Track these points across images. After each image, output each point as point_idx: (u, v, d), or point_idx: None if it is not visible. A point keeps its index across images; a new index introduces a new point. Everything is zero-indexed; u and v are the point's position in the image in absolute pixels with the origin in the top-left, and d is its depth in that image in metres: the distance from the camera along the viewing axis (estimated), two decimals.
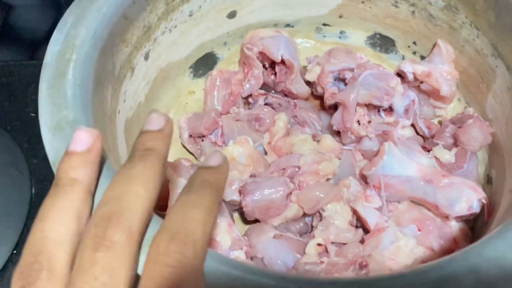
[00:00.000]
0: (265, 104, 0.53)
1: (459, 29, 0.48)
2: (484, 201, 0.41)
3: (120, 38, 0.42)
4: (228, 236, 0.41)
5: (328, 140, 0.48)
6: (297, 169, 0.44)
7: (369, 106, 0.48)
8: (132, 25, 0.43)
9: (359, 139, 0.49)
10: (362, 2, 0.53)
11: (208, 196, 0.26)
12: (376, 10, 0.53)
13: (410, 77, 0.50)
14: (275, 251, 0.41)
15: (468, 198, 0.40)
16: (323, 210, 0.42)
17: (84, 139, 0.27)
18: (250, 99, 0.54)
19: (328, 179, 0.45)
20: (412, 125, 0.50)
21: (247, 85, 0.53)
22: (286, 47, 0.51)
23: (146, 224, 0.25)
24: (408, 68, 0.49)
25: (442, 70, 0.49)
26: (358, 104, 0.48)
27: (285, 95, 0.54)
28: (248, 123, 0.50)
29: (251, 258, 0.42)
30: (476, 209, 0.41)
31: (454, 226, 0.42)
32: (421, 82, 0.50)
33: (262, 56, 0.52)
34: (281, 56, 0.50)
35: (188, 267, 0.23)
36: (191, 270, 0.23)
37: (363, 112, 0.48)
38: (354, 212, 0.43)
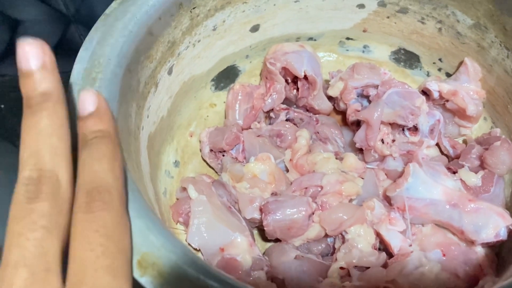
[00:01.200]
0: (287, 119, 0.52)
1: (488, 48, 0.47)
2: (511, 227, 0.40)
3: (145, 54, 0.42)
4: (249, 256, 0.41)
5: (351, 159, 0.47)
6: (319, 189, 0.44)
7: (393, 124, 0.47)
8: (157, 41, 0.43)
9: (382, 158, 0.48)
10: (388, 17, 0.52)
11: (105, 146, 0.27)
12: (402, 25, 0.52)
13: (436, 95, 0.49)
14: (296, 273, 0.41)
15: (495, 225, 0.40)
16: (346, 233, 0.42)
17: (91, 100, 0.28)
18: (271, 114, 0.53)
19: (351, 200, 0.44)
20: (437, 144, 0.50)
21: (269, 100, 0.52)
22: (309, 63, 0.50)
23: (71, 168, 0.26)
24: (434, 86, 0.49)
25: (468, 89, 0.48)
26: (382, 123, 0.47)
27: (307, 110, 0.54)
28: (269, 139, 0.50)
29: (272, 279, 0.42)
30: (503, 236, 0.40)
31: (480, 252, 0.41)
32: (447, 101, 0.49)
33: (285, 71, 0.51)
34: (304, 72, 0.50)
35: (109, 209, 0.25)
36: (113, 212, 0.25)
37: (387, 131, 0.48)
38: (378, 235, 0.42)
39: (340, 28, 0.55)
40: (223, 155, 0.50)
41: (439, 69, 0.54)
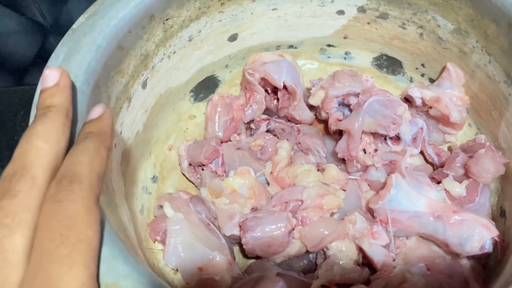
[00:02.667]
0: (268, 130, 0.51)
1: (470, 54, 0.46)
2: (497, 239, 0.39)
3: (116, 69, 0.40)
4: (228, 275, 0.40)
5: (333, 170, 0.46)
6: (300, 203, 0.43)
7: (375, 134, 0.46)
8: (128, 54, 0.41)
9: (365, 168, 0.47)
10: (368, 23, 0.51)
11: (91, 143, 0.28)
12: (382, 31, 0.51)
13: (418, 102, 0.48)
14: None
15: (480, 237, 0.38)
16: (327, 249, 0.40)
17: (53, 76, 0.30)
18: (252, 125, 0.52)
19: (332, 213, 0.43)
20: (421, 152, 0.49)
21: (249, 111, 0.51)
22: (288, 73, 0.49)
23: (51, 174, 0.27)
24: (416, 93, 0.48)
25: (451, 95, 0.47)
26: (363, 132, 0.46)
27: (288, 120, 0.53)
28: (249, 151, 0.49)
29: None
30: (488, 248, 0.39)
31: (466, 265, 0.40)
32: (430, 108, 0.48)
33: (264, 81, 0.50)
34: (283, 83, 0.49)
35: (76, 200, 0.25)
36: (80, 202, 0.25)
37: (369, 140, 0.46)
38: (360, 250, 0.41)
39: (321, 35, 0.54)
40: (202, 169, 0.49)
41: (422, 75, 0.53)
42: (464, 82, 0.47)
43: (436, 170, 0.47)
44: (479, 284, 0.39)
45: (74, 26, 0.38)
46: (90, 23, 0.38)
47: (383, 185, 0.43)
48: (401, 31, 0.50)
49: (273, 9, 0.50)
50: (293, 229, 0.41)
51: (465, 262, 0.40)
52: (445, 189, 0.42)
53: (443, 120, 0.48)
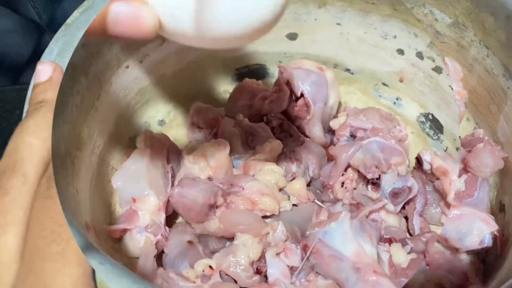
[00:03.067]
0: (278, 127, 0.51)
1: (468, 47, 0.45)
2: (496, 233, 0.39)
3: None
4: (150, 217, 0.42)
5: (298, 184, 0.45)
6: (241, 190, 0.42)
7: (360, 173, 0.45)
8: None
9: (336, 201, 0.46)
10: (423, 73, 0.50)
11: (42, 118, 0.28)
12: (435, 87, 0.50)
13: (426, 166, 0.45)
14: (176, 254, 0.41)
15: (479, 231, 0.38)
16: (236, 238, 0.40)
17: (46, 71, 0.31)
18: (265, 118, 0.52)
19: (266, 216, 0.42)
20: (406, 218, 0.46)
21: (268, 105, 0.50)
22: (313, 86, 0.48)
23: (42, 169, 0.27)
24: (427, 157, 0.45)
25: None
26: (352, 167, 0.45)
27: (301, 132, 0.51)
28: (243, 134, 0.48)
29: (162, 251, 0.42)
30: (488, 243, 0.38)
31: (465, 260, 0.40)
32: (437, 179, 0.45)
33: (288, 85, 0.49)
34: (302, 92, 0.48)
35: (19, 190, 0.25)
36: (23, 192, 0.25)
37: (352, 177, 0.45)
38: (262, 256, 0.40)
39: (378, 69, 0.53)
40: (199, 131, 0.51)
41: (457, 149, 0.50)
42: (462, 76, 0.47)
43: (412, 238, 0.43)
44: (479, 278, 0.39)
45: (68, 21, 0.38)
46: (84, 18, 0.38)
47: (330, 216, 0.42)
48: (450, 91, 0.49)
49: (337, 23, 0.51)
50: (217, 207, 0.41)
51: (464, 257, 0.40)
52: (390, 255, 0.40)
53: (445, 199, 0.44)
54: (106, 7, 0.25)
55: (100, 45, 0.41)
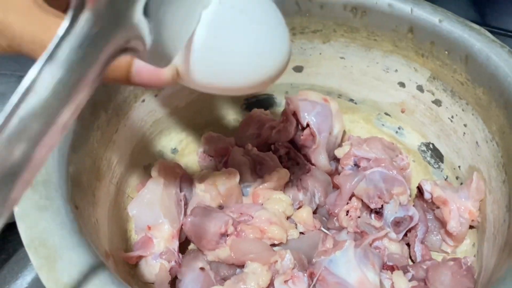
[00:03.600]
0: (287, 156, 0.52)
1: (496, 167, 0.44)
2: None
3: None
4: (165, 244, 0.43)
5: (305, 212, 0.47)
6: (250, 219, 0.44)
7: (364, 202, 0.47)
8: None
9: (341, 228, 0.48)
10: (424, 105, 0.53)
11: None
12: (434, 118, 0.52)
13: (427, 196, 0.47)
14: (189, 280, 0.42)
15: None
16: (246, 266, 0.42)
17: None
18: (272, 146, 0.54)
19: (274, 244, 0.44)
20: (408, 245, 0.48)
21: (276, 134, 0.53)
22: (318, 116, 0.50)
23: None
24: (427, 187, 0.47)
25: (462, 204, 0.45)
26: (356, 196, 0.47)
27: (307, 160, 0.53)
28: (251, 163, 0.50)
29: (176, 276, 0.44)
30: None
31: None
32: (437, 207, 0.46)
33: (294, 116, 0.52)
34: (307, 123, 0.50)
35: None
36: None
37: (356, 205, 0.47)
38: (271, 284, 0.41)
39: (381, 100, 0.55)
40: (211, 160, 0.53)
41: (457, 177, 0.51)
42: (483, 197, 0.45)
43: (413, 265, 0.45)
44: None
45: None
46: None
47: (335, 244, 0.44)
48: (449, 123, 0.51)
49: (341, 57, 0.53)
50: (228, 235, 0.43)
51: None
52: (392, 282, 0.42)
53: (445, 227, 0.46)
54: (131, 60, 0.27)
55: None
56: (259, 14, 0.30)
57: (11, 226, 0.55)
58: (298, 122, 0.52)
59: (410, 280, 0.43)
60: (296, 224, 0.47)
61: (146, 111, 0.49)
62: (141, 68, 0.27)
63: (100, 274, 0.29)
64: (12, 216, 0.55)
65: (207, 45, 0.28)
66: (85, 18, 0.20)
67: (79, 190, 0.36)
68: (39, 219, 0.31)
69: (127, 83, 0.28)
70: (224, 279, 0.43)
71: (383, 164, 0.47)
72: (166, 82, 0.29)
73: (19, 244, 0.53)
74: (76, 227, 0.31)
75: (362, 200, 0.47)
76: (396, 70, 0.52)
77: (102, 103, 0.42)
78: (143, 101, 0.48)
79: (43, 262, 0.29)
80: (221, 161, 0.52)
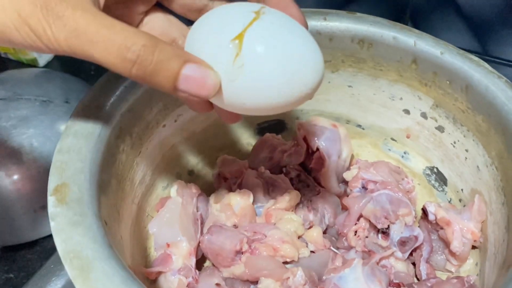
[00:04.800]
0: (298, 178, 0.55)
1: (496, 191, 0.46)
2: None
3: None
4: (183, 260, 0.46)
5: (315, 232, 0.49)
6: (264, 237, 0.47)
7: (371, 223, 0.49)
8: None
9: (350, 248, 0.50)
10: (427, 131, 0.55)
11: None
12: (438, 143, 0.55)
13: (431, 217, 0.49)
14: None
15: None
16: (260, 282, 0.44)
17: None
18: (284, 169, 0.56)
19: (286, 262, 0.46)
20: (414, 264, 0.50)
21: (287, 158, 0.55)
22: (327, 140, 0.53)
23: None
24: (431, 208, 0.49)
25: (464, 225, 0.47)
26: (364, 217, 0.49)
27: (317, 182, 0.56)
28: (265, 184, 0.53)
29: None
30: None
31: None
32: (441, 228, 0.49)
33: (305, 140, 0.55)
34: (317, 147, 0.53)
35: None
36: None
37: (364, 226, 0.49)
38: None
39: (387, 126, 0.58)
40: (225, 181, 0.55)
41: (460, 200, 0.53)
42: (484, 219, 0.47)
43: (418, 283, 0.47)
44: None
45: None
46: None
47: (344, 262, 0.46)
48: (452, 148, 0.53)
49: (349, 86, 0.56)
50: (242, 253, 0.45)
51: None
52: None
53: (449, 247, 0.48)
54: (180, 67, 0.29)
55: (143, 110, 0.47)
56: (298, 29, 0.31)
57: (30, 245, 0.58)
58: (308, 146, 0.55)
59: None
60: (307, 243, 0.49)
61: (166, 135, 0.52)
62: (190, 75, 0.29)
63: (131, 284, 0.31)
64: (28, 236, 0.58)
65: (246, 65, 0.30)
66: None
67: (107, 208, 0.39)
68: (73, 234, 0.33)
69: (172, 89, 0.30)
70: None
71: (389, 187, 0.49)
72: (210, 92, 0.30)
73: (39, 261, 0.56)
74: (106, 241, 0.34)
75: (369, 221, 0.49)
76: (401, 98, 0.55)
77: (127, 128, 0.45)
78: (164, 126, 0.51)
79: (77, 273, 0.31)
80: (235, 182, 0.54)
